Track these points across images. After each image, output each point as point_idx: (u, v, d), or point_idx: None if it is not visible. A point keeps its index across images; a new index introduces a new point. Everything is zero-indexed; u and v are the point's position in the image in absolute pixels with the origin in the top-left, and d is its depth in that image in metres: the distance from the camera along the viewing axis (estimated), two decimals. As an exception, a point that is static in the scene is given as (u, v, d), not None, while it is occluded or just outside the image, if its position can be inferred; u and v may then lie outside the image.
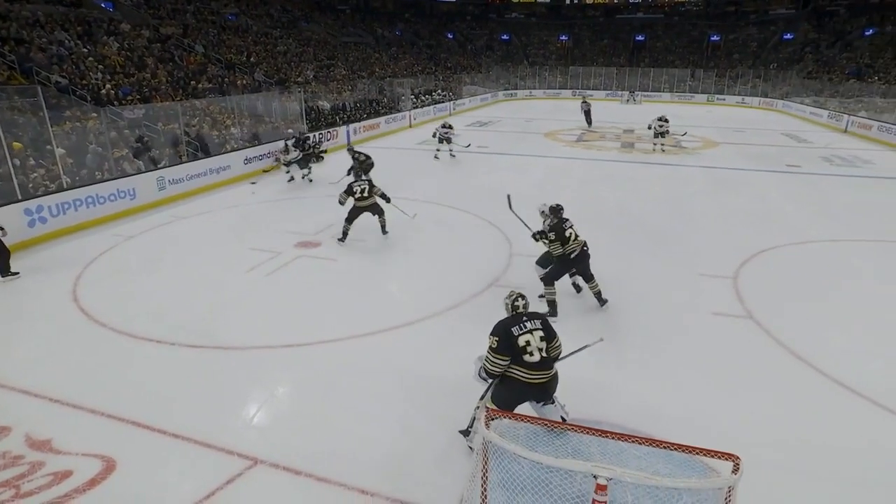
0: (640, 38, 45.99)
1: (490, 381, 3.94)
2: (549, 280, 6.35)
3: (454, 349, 5.76)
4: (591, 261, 6.40)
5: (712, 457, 2.89)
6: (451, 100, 29.88)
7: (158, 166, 11.89)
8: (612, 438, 3.16)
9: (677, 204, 11.47)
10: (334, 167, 14.52)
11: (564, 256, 6.26)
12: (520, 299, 4.10)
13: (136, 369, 5.42)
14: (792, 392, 5.07)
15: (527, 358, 3.79)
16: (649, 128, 17.81)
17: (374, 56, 33.73)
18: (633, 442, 3.08)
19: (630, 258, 8.34)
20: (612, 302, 6.73)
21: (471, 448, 4.03)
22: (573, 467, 3.01)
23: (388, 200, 8.94)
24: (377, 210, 8.89)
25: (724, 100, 36.21)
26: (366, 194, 8.70)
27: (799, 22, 41.79)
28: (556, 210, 6.56)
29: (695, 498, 3.36)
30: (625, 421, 4.45)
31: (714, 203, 11.60)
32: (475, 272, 7.64)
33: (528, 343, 3.82)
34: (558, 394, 3.99)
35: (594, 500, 2.87)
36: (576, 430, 3.42)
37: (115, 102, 14.37)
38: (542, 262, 6.74)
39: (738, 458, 2.82)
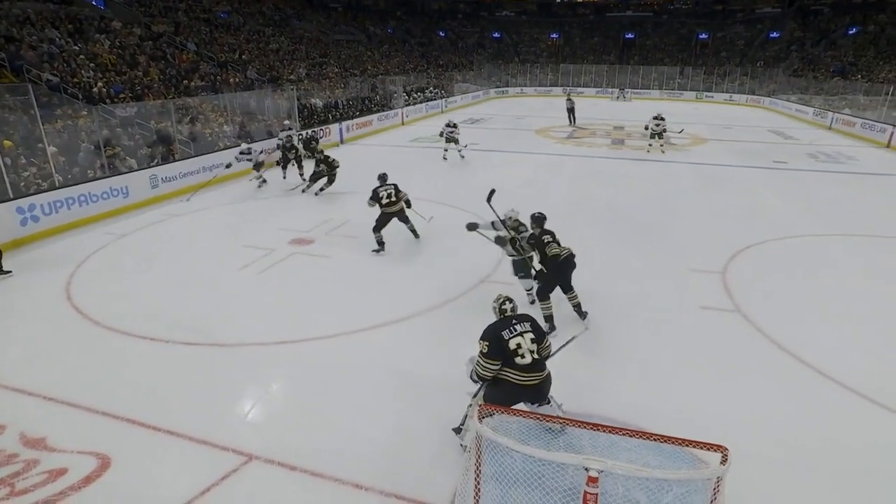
0: (629, 35, 46.06)
1: (482, 382, 3.95)
2: (542, 295, 6.02)
3: (447, 345, 5.78)
4: (581, 263, 6.24)
5: (701, 448, 2.91)
6: (443, 97, 29.83)
7: (151, 164, 11.79)
8: (603, 431, 3.18)
9: (667, 200, 11.53)
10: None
11: (548, 265, 5.96)
12: (507, 302, 4.07)
13: (130, 367, 5.38)
14: (778, 383, 5.12)
15: (518, 360, 3.77)
16: (646, 128, 17.02)
17: (367, 54, 33.57)
18: (623, 434, 3.10)
19: (621, 253, 8.39)
20: (603, 296, 6.76)
21: (462, 446, 4.03)
22: (565, 460, 3.02)
23: (408, 205, 8.61)
24: (404, 217, 8.55)
25: (712, 97, 36.41)
26: (393, 199, 8.32)
27: (785, 20, 42.01)
28: (539, 220, 6.21)
29: (684, 489, 3.39)
30: (615, 414, 4.48)
31: (703, 199, 11.67)
32: (466, 268, 7.65)
33: (518, 346, 3.80)
34: (553, 392, 4.00)
35: (586, 493, 2.89)
36: (567, 424, 3.44)
37: (107, 100, 14.22)
38: (518, 269, 6.50)
39: (726, 449, 2.84)
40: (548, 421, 3.43)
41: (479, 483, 3.40)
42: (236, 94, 17.76)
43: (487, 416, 3.39)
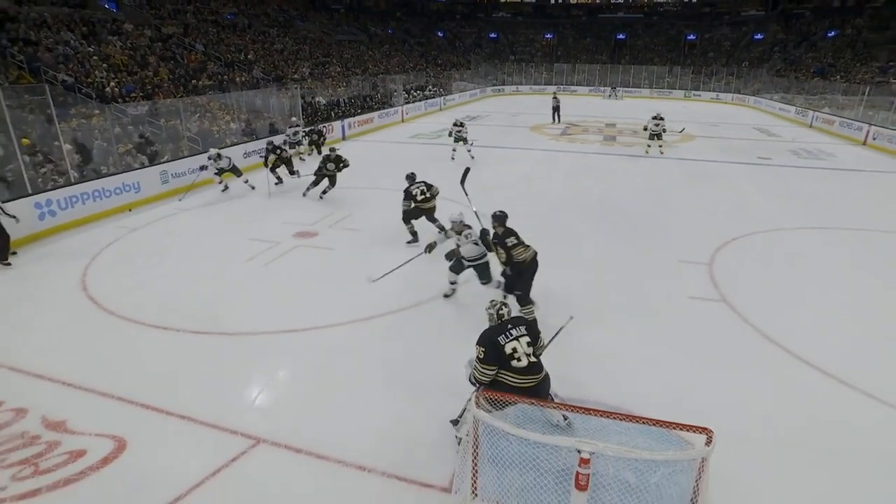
0: (621, 36, 45.80)
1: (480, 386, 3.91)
2: (522, 301, 5.78)
3: (447, 334, 5.80)
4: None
5: (687, 431, 2.94)
6: (442, 95, 29.69)
7: (160, 161, 11.73)
8: (595, 415, 3.20)
9: (657, 195, 11.51)
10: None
11: (512, 265, 5.69)
12: (503, 307, 3.99)
13: (143, 354, 5.39)
14: (761, 369, 5.15)
15: (515, 364, 3.73)
16: (645, 129, 16.16)
17: (368, 53, 33.35)
18: (613, 418, 3.12)
19: (612, 245, 8.39)
20: (594, 287, 6.79)
21: (457, 438, 4.01)
22: (558, 443, 3.05)
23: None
24: (432, 216, 8.21)
25: (699, 96, 36.27)
26: (427, 195, 8.02)
27: (769, 23, 41.82)
28: (500, 218, 5.83)
29: (671, 468, 3.42)
30: (606, 399, 4.50)
31: (691, 194, 11.66)
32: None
33: (514, 350, 3.74)
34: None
35: (578, 473, 2.91)
36: (560, 408, 3.46)
37: (119, 100, 14.14)
38: (482, 276, 6.19)
39: (711, 431, 2.86)
40: (541, 405, 3.45)
41: (476, 465, 3.42)
42: (242, 93, 17.65)
43: (486, 403, 3.41)
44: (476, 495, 3.47)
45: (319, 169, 10.62)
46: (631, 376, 4.99)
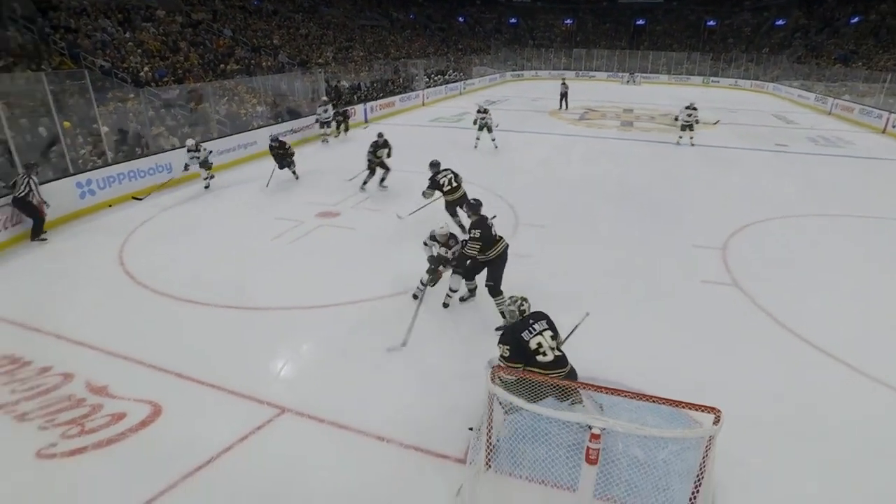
0: (640, 22, 44.54)
1: None
2: (494, 292, 5.38)
3: (465, 310, 5.82)
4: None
5: (696, 410, 2.93)
6: (462, 80, 29.33)
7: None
8: (606, 393, 3.21)
9: (673, 180, 11.30)
10: (349, 148, 14.50)
11: (484, 260, 5.31)
12: (524, 303, 3.84)
13: (176, 327, 5.53)
14: (771, 353, 5.08)
15: (540, 359, 3.58)
16: (676, 119, 14.84)
17: (390, 38, 32.99)
18: (624, 396, 3.12)
19: (628, 229, 8.28)
20: (609, 269, 6.73)
21: (470, 429, 3.90)
22: (570, 418, 3.06)
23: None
24: (454, 209, 7.50)
25: (718, 82, 35.23)
26: (454, 184, 7.34)
27: (791, 9, 40.16)
28: (476, 206, 5.49)
29: (679, 446, 3.42)
30: (618, 378, 4.50)
31: (707, 179, 11.42)
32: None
33: (539, 345, 3.60)
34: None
35: (588, 448, 2.93)
36: (573, 386, 3.47)
37: (153, 84, 14.26)
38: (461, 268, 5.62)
39: (719, 411, 2.85)
40: (555, 384, 3.44)
41: (490, 438, 3.46)
42: (268, 77, 17.65)
43: (501, 377, 3.43)
44: (489, 467, 3.52)
45: (371, 160, 9.99)
46: (642, 356, 4.97)
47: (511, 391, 3.26)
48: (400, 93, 22.46)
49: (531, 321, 3.72)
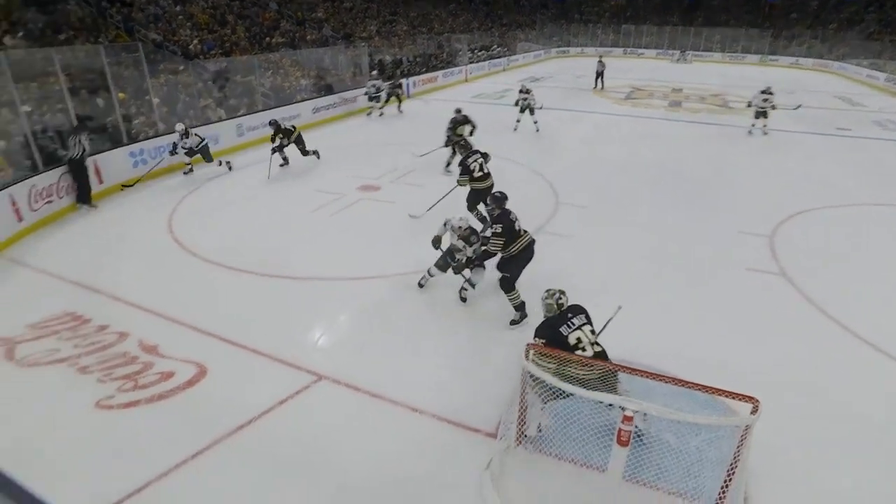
0: (695, -4, 42.28)
1: None
2: (507, 286, 5.10)
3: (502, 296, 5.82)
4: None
5: (733, 398, 2.87)
6: (506, 55, 28.75)
7: (236, 115, 12.10)
8: (641, 376, 3.18)
9: (722, 163, 10.84)
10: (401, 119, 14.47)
11: (507, 256, 5.06)
12: (562, 297, 3.70)
13: (220, 293, 5.77)
14: (817, 346, 4.90)
15: (580, 354, 3.49)
16: (749, 105, 13.45)
17: (434, 13, 32.53)
18: (659, 380, 3.09)
19: (671, 212, 8.04)
20: (651, 253, 6.59)
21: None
22: (603, 399, 3.06)
23: None
24: (476, 203, 6.97)
25: (777, 60, 33.23)
26: (485, 170, 6.83)
27: (865, -21, 37.28)
28: (500, 199, 5.15)
29: (713, 434, 3.37)
30: (653, 361, 4.42)
31: (759, 164, 10.89)
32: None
33: (579, 340, 3.52)
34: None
35: (620, 429, 2.93)
36: (608, 368, 3.45)
37: (201, 56, 14.60)
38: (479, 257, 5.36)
39: (757, 400, 2.79)
40: (589, 363, 3.42)
41: (523, 414, 3.49)
42: (313, 50, 17.79)
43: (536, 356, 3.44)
44: (520, 443, 3.56)
45: (450, 136, 9.27)
46: (680, 341, 4.87)
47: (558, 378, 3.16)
48: (443, 68, 22.23)
49: (570, 315, 3.61)
